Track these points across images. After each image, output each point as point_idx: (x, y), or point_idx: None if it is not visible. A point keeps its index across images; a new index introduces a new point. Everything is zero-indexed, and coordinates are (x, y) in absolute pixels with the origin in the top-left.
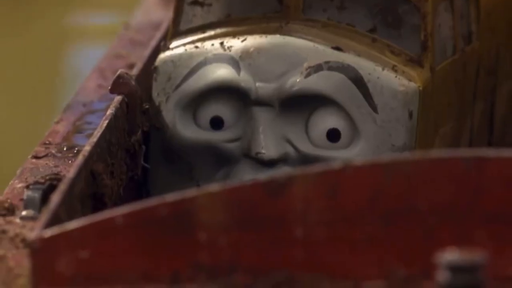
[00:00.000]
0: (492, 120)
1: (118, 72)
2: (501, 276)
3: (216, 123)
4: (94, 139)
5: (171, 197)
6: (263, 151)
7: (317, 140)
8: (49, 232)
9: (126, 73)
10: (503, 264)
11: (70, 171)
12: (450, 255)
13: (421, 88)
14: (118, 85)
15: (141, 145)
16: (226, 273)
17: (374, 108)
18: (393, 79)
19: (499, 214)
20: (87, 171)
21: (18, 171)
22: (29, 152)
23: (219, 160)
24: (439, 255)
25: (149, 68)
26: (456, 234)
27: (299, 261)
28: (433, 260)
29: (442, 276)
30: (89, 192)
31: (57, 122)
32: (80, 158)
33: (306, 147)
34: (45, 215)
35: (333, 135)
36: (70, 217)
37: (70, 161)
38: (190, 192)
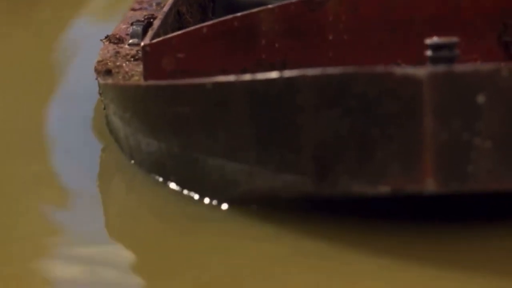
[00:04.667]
0: None
1: None
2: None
3: None
4: None
5: (240, 14)
6: None
7: None
8: (156, 40)
9: None
10: (471, 58)
11: (164, 8)
12: (434, 39)
13: None
14: None
15: (210, 1)
16: (279, 68)
17: None
18: None
19: (470, 23)
20: (175, 10)
21: (121, 19)
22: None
23: None
24: (427, 40)
25: None
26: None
27: (330, 58)
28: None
29: (428, 53)
30: (176, 26)
31: None
32: (170, 1)
33: None
34: (150, 32)
35: None
36: None
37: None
38: (254, 10)
